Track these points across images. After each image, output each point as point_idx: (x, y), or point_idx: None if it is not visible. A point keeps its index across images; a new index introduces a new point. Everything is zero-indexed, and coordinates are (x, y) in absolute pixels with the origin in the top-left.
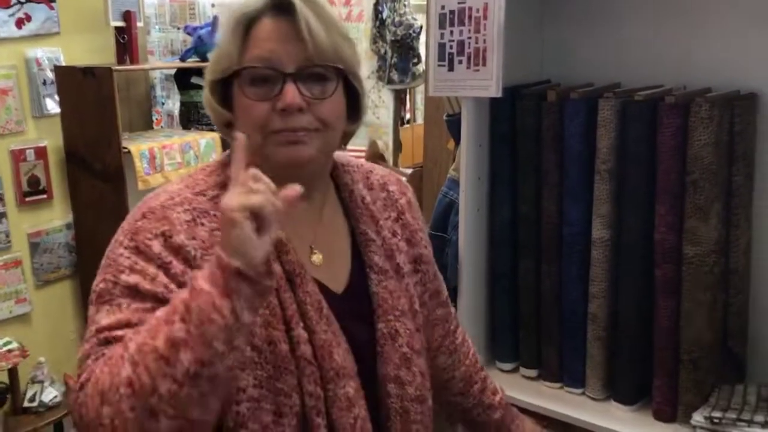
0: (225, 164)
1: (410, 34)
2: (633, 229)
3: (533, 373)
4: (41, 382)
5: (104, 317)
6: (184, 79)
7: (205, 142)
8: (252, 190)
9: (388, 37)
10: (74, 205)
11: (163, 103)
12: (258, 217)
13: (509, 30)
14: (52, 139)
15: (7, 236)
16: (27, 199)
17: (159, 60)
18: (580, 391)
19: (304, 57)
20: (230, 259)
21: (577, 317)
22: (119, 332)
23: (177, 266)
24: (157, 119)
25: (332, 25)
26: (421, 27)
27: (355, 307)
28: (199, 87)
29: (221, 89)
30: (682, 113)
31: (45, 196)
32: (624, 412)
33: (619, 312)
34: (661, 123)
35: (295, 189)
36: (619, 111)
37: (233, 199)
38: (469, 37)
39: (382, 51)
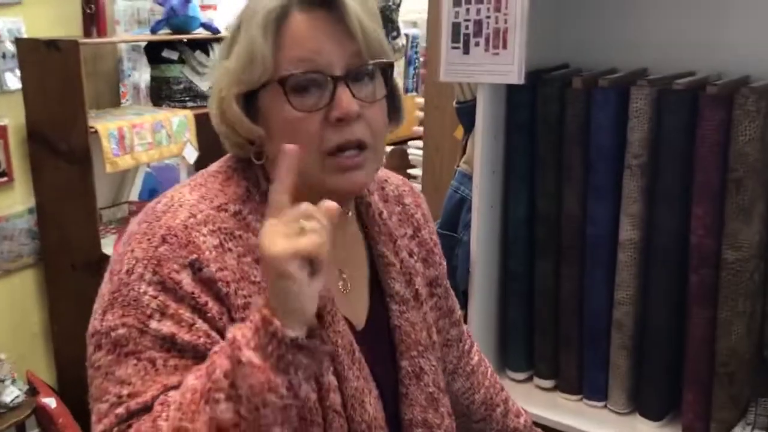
0: (237, 170)
1: (389, 7)
2: (666, 230)
3: (549, 383)
4: (2, 380)
5: (135, 376)
6: (154, 52)
7: (178, 121)
8: (302, 230)
9: None
10: (37, 188)
11: (129, 75)
12: (311, 262)
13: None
14: (13, 118)
15: None
16: None
17: (125, 31)
18: (601, 404)
19: (351, 54)
20: (283, 325)
21: (600, 324)
22: (158, 403)
23: (212, 307)
24: (123, 92)
25: (372, 11)
26: None
27: (376, 343)
28: (171, 61)
29: (244, 101)
30: (726, 105)
31: (5, 179)
32: (650, 428)
33: (647, 320)
34: (702, 115)
35: (333, 206)
36: (655, 101)
37: (279, 242)
38: (488, 16)
39: None
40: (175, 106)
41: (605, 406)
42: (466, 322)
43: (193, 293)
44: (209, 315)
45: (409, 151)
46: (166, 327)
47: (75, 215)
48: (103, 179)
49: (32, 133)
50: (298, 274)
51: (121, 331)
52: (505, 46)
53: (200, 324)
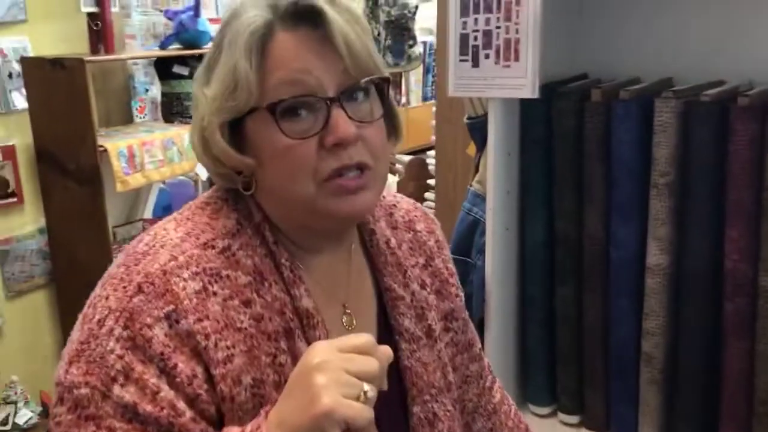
0: (227, 200)
1: (405, 15)
2: (698, 255)
3: (574, 419)
4: (14, 402)
5: None
6: (164, 67)
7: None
8: (362, 394)
9: (382, 17)
10: (47, 208)
11: (147, 90)
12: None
13: (543, 17)
14: (21, 138)
15: None
16: None
17: (141, 46)
18: None
19: (341, 72)
20: None
21: (627, 357)
22: None
23: (183, 369)
24: (140, 107)
25: (361, 25)
26: (417, 7)
27: None
28: (182, 76)
29: (230, 129)
30: (759, 117)
31: (15, 199)
32: None
33: (679, 352)
34: (734, 129)
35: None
36: (681, 114)
37: (337, 398)
38: (498, 27)
39: (375, 32)
40: (186, 122)
41: None
42: None
43: (162, 354)
44: (177, 380)
45: (429, 161)
46: (129, 394)
47: (86, 235)
48: (116, 197)
49: (40, 153)
50: None
51: (84, 390)
52: (516, 58)
53: (165, 392)
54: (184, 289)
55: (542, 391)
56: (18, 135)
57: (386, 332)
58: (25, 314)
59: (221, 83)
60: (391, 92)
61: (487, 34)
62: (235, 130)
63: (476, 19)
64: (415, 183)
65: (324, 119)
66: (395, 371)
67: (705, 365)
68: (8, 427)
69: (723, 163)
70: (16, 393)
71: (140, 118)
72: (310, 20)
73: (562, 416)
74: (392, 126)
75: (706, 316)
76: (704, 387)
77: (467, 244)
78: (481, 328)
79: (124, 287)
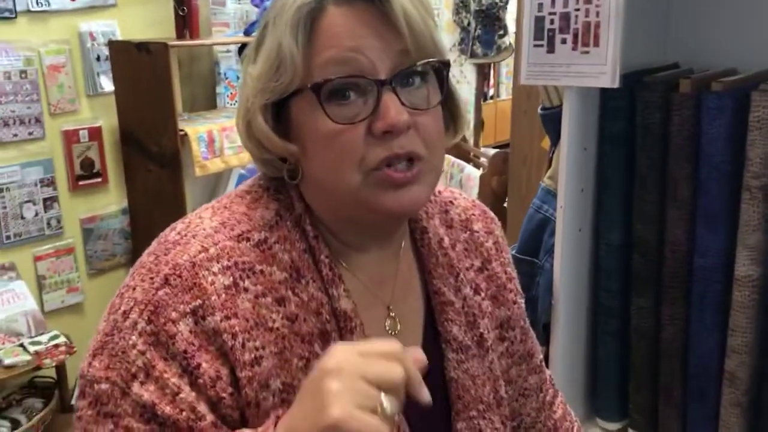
0: (268, 189)
1: (496, 4)
2: None
3: None
4: None
5: None
6: None
7: None
8: (378, 407)
9: (472, 6)
10: (130, 189)
11: (238, 77)
12: None
13: None
14: (108, 119)
15: (59, 222)
16: (80, 182)
17: (234, 33)
18: None
19: (397, 53)
20: None
21: (708, 375)
22: None
23: (206, 370)
24: (231, 93)
25: (422, 2)
26: None
27: None
28: None
29: (273, 111)
30: None
31: (99, 179)
32: None
33: (766, 374)
34: None
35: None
36: None
37: (347, 408)
38: (577, 9)
39: (465, 22)
40: None
41: None
42: (547, 362)
43: (185, 352)
44: (200, 381)
45: None
46: (148, 393)
47: (166, 217)
48: (197, 181)
49: (125, 135)
50: None
51: (104, 386)
52: (596, 44)
53: (186, 393)
54: (213, 283)
55: (613, 406)
56: (104, 117)
57: (433, 339)
58: (106, 292)
59: (266, 61)
60: (477, 82)
61: (565, 16)
62: (280, 113)
63: (553, 1)
64: (498, 177)
65: (374, 103)
66: (440, 383)
67: None
68: None
69: None
70: None
71: (231, 104)
72: None
73: None
74: (451, 116)
75: None
76: None
77: (535, 243)
78: (546, 334)
79: (151, 278)
